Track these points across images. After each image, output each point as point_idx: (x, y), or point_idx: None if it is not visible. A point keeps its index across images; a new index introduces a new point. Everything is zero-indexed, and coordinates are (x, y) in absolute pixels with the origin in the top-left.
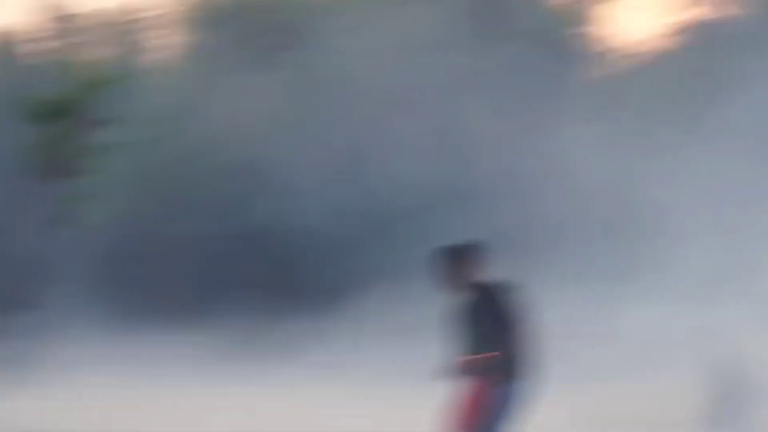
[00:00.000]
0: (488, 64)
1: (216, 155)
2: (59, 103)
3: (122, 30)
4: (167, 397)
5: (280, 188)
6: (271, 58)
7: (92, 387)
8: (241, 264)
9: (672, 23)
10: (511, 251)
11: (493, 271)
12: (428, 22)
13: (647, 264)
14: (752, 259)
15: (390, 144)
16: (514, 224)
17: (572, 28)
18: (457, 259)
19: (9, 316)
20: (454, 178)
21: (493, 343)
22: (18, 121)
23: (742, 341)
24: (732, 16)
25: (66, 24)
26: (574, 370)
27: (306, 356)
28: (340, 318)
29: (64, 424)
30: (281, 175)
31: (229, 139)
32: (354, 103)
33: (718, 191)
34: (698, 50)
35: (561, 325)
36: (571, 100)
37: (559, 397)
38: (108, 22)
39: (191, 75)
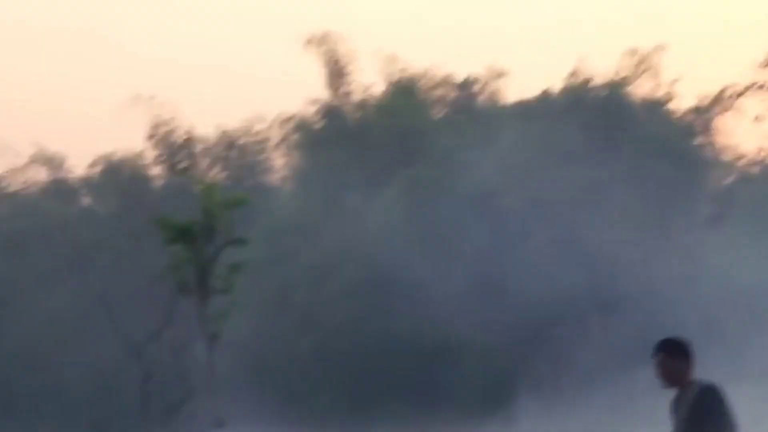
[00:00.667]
0: (613, 174)
1: (348, 269)
2: (188, 226)
3: (243, 151)
4: None
5: (418, 300)
6: (394, 174)
7: None
8: (389, 375)
9: None
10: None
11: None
12: (554, 135)
13: None
14: None
15: (523, 253)
16: (663, 328)
17: (696, 138)
18: (678, 354)
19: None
20: (592, 284)
21: None
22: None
23: None
24: None
25: (187, 147)
26: None
27: None
28: (493, 425)
29: None
30: (418, 287)
31: (359, 254)
32: (482, 214)
33: None
34: None
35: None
36: (698, 206)
37: None
38: (229, 143)
39: (314, 193)
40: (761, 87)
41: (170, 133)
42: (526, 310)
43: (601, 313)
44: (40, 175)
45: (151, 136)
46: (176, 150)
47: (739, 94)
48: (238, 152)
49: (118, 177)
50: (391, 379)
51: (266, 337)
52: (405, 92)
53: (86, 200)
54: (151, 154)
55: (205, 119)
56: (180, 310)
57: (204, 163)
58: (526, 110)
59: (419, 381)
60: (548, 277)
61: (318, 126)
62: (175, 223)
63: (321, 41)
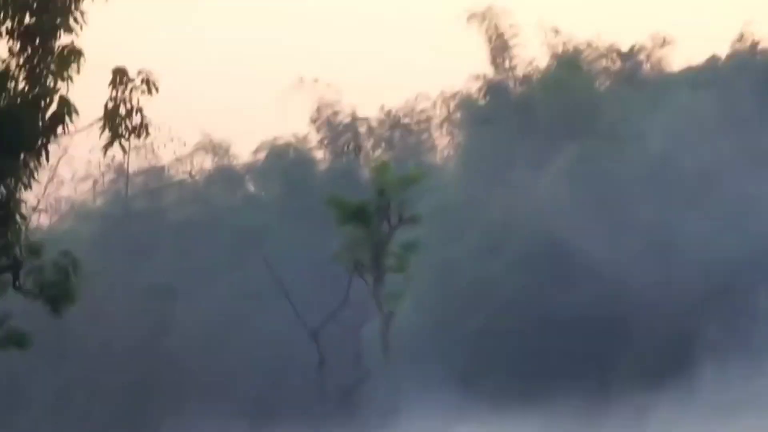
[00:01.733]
0: None
1: (516, 245)
2: (362, 205)
3: (407, 130)
4: None
5: (589, 272)
6: (560, 148)
7: None
8: (563, 349)
9: None
10: None
11: None
12: (722, 101)
13: None
14: None
15: (696, 221)
16: None
17: None
18: None
19: None
20: (763, 254)
21: None
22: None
23: None
24: None
25: (351, 129)
26: None
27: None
28: (675, 393)
29: None
30: (588, 259)
31: (527, 229)
32: (652, 185)
33: None
34: None
35: None
36: None
37: None
38: (393, 123)
39: (479, 170)
40: None
41: (334, 115)
42: (697, 279)
43: None
44: (206, 162)
45: (314, 120)
46: (340, 132)
47: None
48: (402, 132)
49: (282, 162)
50: (565, 354)
51: (437, 316)
52: (569, 65)
53: (252, 186)
54: (315, 137)
55: (369, 100)
56: (355, 291)
57: (368, 144)
58: (693, 78)
59: (594, 353)
60: (719, 243)
61: (482, 103)
62: (349, 203)
63: (483, 16)
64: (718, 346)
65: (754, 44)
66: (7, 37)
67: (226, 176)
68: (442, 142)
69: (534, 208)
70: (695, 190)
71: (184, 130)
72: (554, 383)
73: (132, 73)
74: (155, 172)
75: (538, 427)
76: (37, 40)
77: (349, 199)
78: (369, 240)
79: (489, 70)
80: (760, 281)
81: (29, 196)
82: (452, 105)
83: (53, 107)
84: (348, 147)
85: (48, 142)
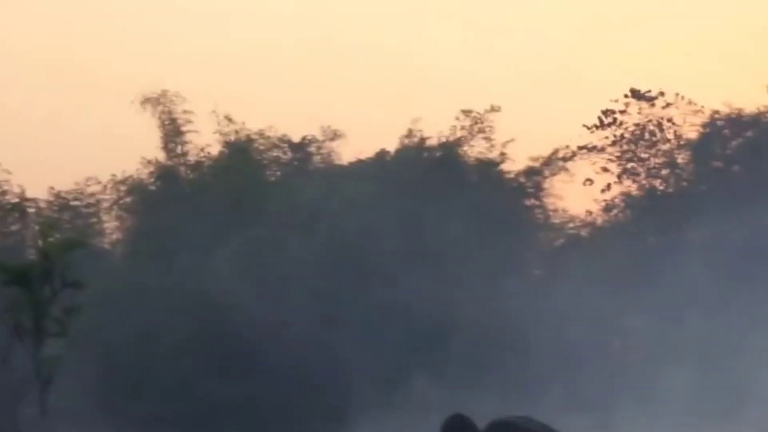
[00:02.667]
0: (447, 236)
1: (178, 330)
2: (24, 269)
3: (76, 213)
4: None
5: (254, 359)
6: (229, 234)
7: None
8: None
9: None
10: None
11: None
12: (389, 195)
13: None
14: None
15: (360, 307)
16: None
17: (527, 199)
18: None
19: None
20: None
21: None
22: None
23: None
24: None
25: (18, 209)
26: None
27: None
28: None
29: None
30: (253, 348)
31: (195, 311)
32: (317, 267)
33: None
34: None
35: None
36: (529, 267)
37: None
38: (62, 205)
39: (146, 254)
40: (591, 150)
41: (2, 194)
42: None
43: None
44: None
45: None
46: (7, 212)
47: (570, 157)
48: (71, 215)
49: None
50: None
51: (100, 401)
52: (240, 153)
53: None
54: None
55: (38, 181)
56: (14, 352)
57: (36, 226)
58: (362, 169)
59: None
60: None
61: (153, 187)
62: (12, 265)
63: (157, 100)
64: (371, 401)
65: (422, 140)
66: None
67: None
68: (112, 226)
69: (200, 292)
70: (358, 278)
71: None
72: None
73: None
74: None
75: None
76: None
77: (12, 262)
78: (31, 303)
79: (161, 155)
80: (416, 367)
81: None
82: (123, 189)
83: None
84: (14, 228)
85: None
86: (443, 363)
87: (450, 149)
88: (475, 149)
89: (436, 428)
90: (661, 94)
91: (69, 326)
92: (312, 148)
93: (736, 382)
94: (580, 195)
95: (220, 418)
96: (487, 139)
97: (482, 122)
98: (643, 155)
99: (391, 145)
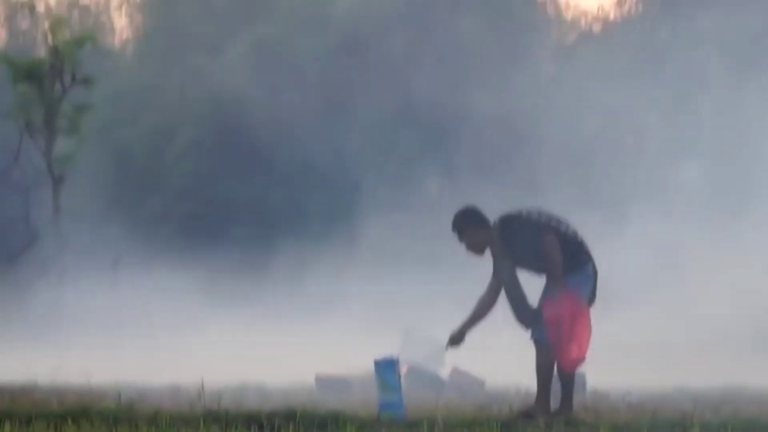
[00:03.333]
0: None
1: (189, 130)
2: (34, 65)
3: (85, 12)
4: None
5: (262, 159)
6: (240, 30)
7: None
8: (243, 231)
9: None
10: None
11: None
12: None
13: None
14: None
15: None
16: None
17: None
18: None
19: None
20: None
21: None
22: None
23: None
24: None
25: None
26: None
27: None
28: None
29: None
30: (262, 149)
31: (201, 113)
32: (328, 68)
33: None
34: None
35: None
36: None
37: None
38: (70, 3)
39: (156, 53)
40: None
41: None
42: (361, 142)
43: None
44: None
45: None
46: (16, 10)
47: None
48: (80, 12)
49: None
50: (237, 239)
51: (112, 197)
52: None
53: None
54: None
55: None
56: (26, 150)
57: (46, 24)
58: None
59: (264, 235)
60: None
61: None
62: (21, 61)
63: None
64: (382, 201)
65: None
66: None
67: None
68: (122, 25)
69: (210, 91)
70: (369, 76)
71: None
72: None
73: None
74: None
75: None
76: None
77: (22, 58)
78: (41, 100)
79: None
80: (427, 165)
81: None
82: None
83: None
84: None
85: None
86: (454, 161)
87: None
88: None
89: (448, 226)
90: None
91: (80, 123)
92: None
93: (749, 176)
94: None
95: (230, 217)
96: None
97: None
98: None
99: None
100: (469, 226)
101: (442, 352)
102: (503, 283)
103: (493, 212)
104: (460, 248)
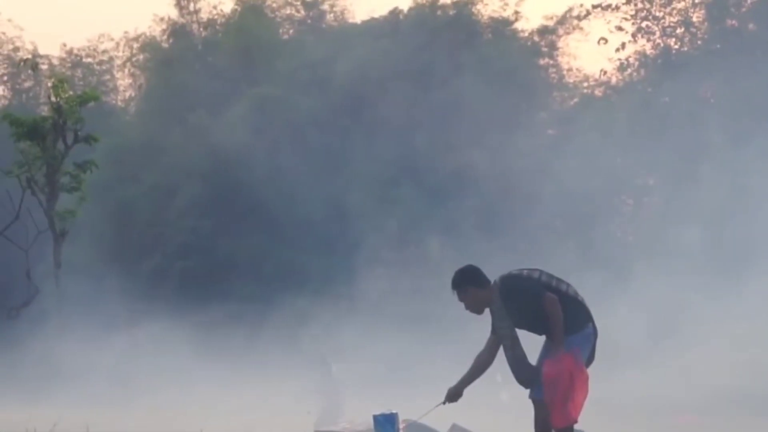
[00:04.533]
0: (459, 94)
1: (192, 188)
2: (37, 123)
3: (89, 70)
4: None
5: (265, 215)
6: (242, 90)
7: None
8: (242, 290)
9: None
10: None
11: None
12: (402, 53)
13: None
14: None
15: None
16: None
17: (541, 59)
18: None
19: None
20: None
21: None
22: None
23: None
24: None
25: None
26: None
27: None
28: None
29: None
30: (264, 204)
31: (203, 171)
32: (332, 125)
33: None
34: None
35: None
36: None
37: None
38: (74, 62)
39: (159, 112)
40: (606, 8)
41: (15, 51)
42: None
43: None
44: None
45: None
46: (20, 68)
47: (584, 16)
48: (84, 72)
49: None
50: (236, 298)
51: (113, 255)
52: (253, 10)
53: None
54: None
55: (51, 39)
56: (28, 207)
57: (49, 83)
58: (376, 28)
59: (262, 296)
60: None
61: (165, 45)
62: (25, 119)
63: None
64: (382, 259)
65: None
66: None
67: None
68: (125, 84)
69: (212, 150)
70: (370, 136)
71: None
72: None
73: None
74: None
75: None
76: None
77: (25, 116)
78: (44, 157)
79: (174, 12)
80: (427, 224)
81: None
82: (135, 46)
83: None
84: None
85: None
86: (455, 220)
87: (463, 7)
88: (489, 8)
89: (449, 285)
90: None
91: (82, 181)
92: (325, 6)
93: (748, 239)
94: (594, 54)
95: (231, 275)
96: None
97: None
98: (658, 14)
99: (404, 3)
100: (470, 286)
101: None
102: (503, 341)
103: (493, 272)
104: (460, 307)
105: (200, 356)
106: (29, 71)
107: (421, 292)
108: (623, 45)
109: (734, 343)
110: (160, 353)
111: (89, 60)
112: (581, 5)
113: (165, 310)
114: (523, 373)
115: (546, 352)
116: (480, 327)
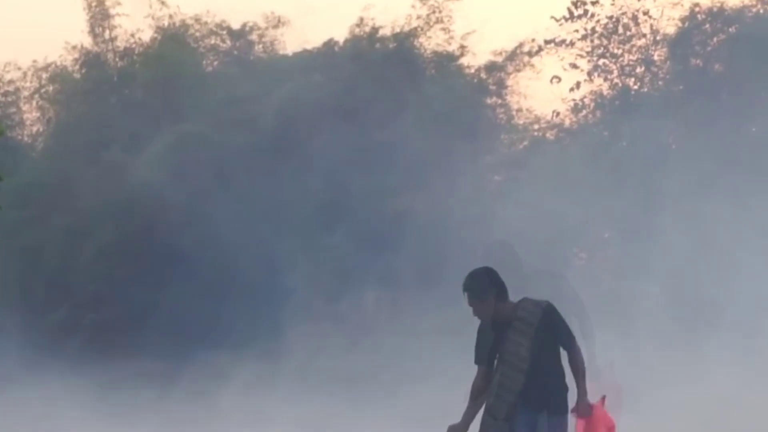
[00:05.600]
0: (397, 133)
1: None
2: None
3: None
4: None
5: (180, 261)
6: (160, 127)
7: None
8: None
9: None
10: None
11: None
12: (336, 88)
13: None
14: None
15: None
16: None
17: (488, 97)
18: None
19: None
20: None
21: None
22: None
23: None
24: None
25: None
26: None
27: None
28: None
29: None
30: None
31: (117, 212)
32: (261, 161)
33: None
34: None
35: None
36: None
37: None
38: None
39: (71, 148)
40: (560, 44)
41: None
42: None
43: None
44: None
45: None
46: None
47: (536, 52)
48: None
49: None
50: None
51: (15, 303)
52: (174, 40)
53: None
54: None
55: None
56: None
57: None
58: (307, 62)
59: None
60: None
61: (77, 75)
62: None
63: None
64: (313, 311)
65: (374, 30)
66: None
67: None
68: (32, 117)
69: (128, 191)
70: (300, 178)
71: None
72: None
73: None
74: None
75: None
76: None
77: None
78: None
79: (87, 40)
80: (362, 274)
81: None
82: (45, 76)
83: None
84: None
85: None
86: (393, 271)
87: (404, 40)
88: (432, 41)
89: (386, 339)
90: None
91: None
92: (253, 37)
93: (710, 300)
94: (546, 94)
95: (144, 327)
96: (446, 30)
97: (440, 11)
98: (616, 51)
99: (340, 35)
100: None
101: None
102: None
103: (434, 330)
104: (398, 365)
105: (102, 419)
106: None
107: (354, 349)
108: (578, 84)
109: (691, 408)
110: (55, 417)
111: None
112: (533, 40)
113: (69, 368)
114: None
115: None
116: (417, 389)
